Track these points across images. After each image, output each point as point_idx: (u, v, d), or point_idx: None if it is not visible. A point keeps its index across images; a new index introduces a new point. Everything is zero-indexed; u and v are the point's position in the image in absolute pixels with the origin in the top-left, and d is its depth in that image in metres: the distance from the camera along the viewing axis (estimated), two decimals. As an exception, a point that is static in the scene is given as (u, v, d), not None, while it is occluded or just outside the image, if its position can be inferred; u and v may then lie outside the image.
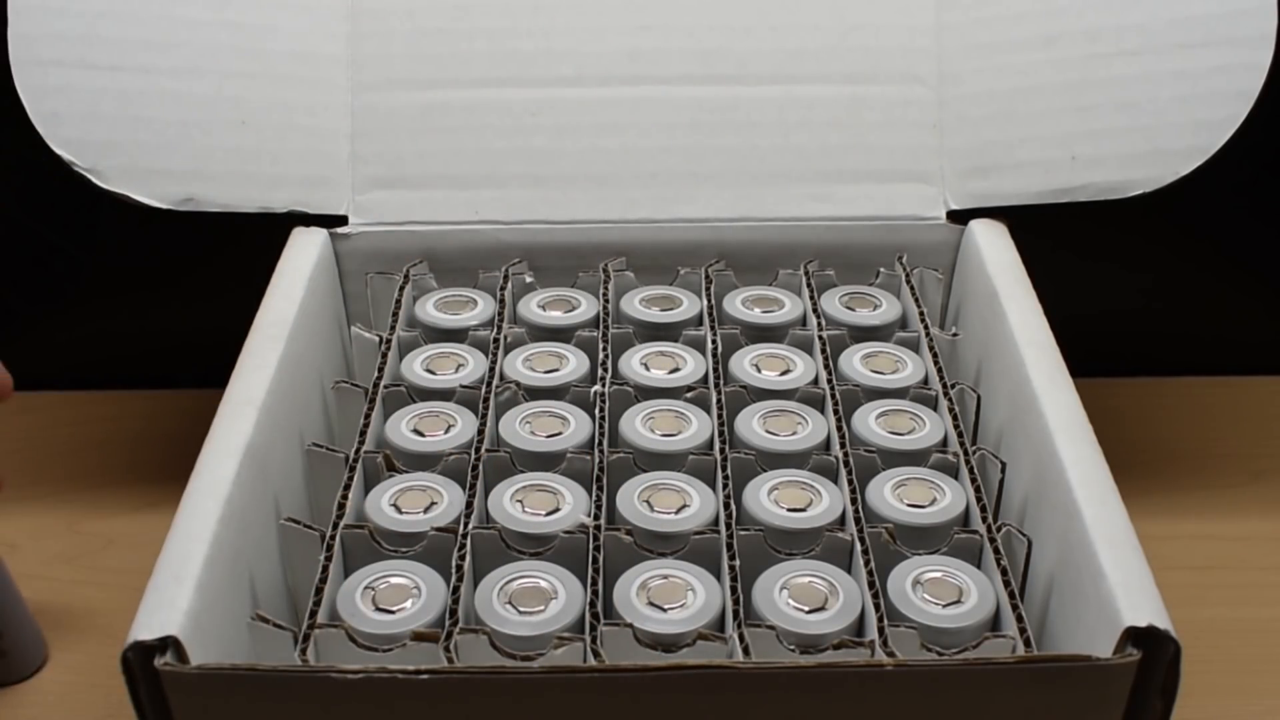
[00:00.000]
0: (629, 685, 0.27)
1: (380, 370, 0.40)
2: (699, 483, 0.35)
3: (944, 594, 0.32)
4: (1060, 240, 0.47)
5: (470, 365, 0.40)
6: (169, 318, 0.55)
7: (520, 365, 0.40)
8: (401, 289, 0.44)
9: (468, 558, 0.32)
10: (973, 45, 0.45)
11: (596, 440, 0.37)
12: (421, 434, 0.37)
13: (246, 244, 0.42)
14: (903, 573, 0.33)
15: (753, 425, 0.37)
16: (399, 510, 0.34)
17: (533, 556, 0.33)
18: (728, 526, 0.34)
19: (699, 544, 0.33)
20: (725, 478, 0.35)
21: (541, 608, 0.31)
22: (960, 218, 0.45)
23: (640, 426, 0.37)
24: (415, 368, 0.40)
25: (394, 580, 0.32)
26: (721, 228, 0.45)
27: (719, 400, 0.38)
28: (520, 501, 0.35)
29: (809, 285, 0.44)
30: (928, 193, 0.45)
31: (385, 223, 0.44)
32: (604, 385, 0.38)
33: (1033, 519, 0.35)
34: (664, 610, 0.31)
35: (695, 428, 0.37)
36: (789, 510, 0.34)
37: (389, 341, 0.41)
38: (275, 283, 0.41)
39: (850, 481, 0.35)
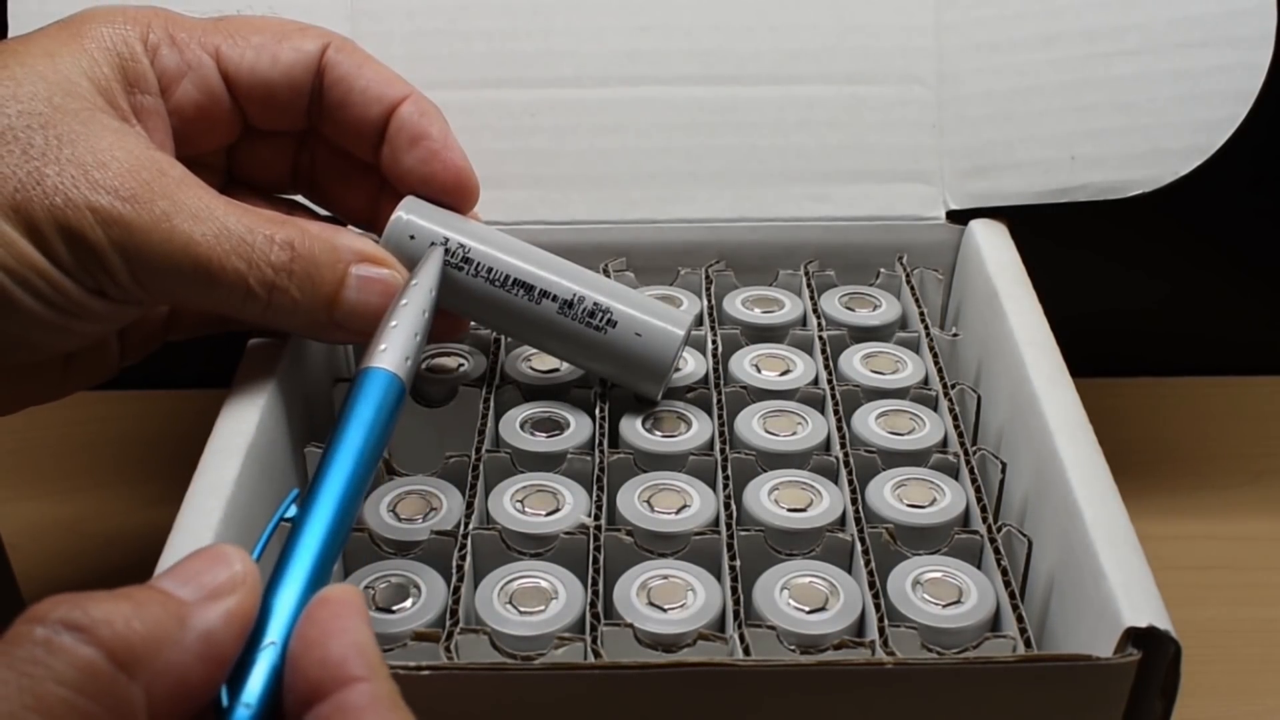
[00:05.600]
0: (630, 683, 0.27)
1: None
2: (699, 483, 0.36)
3: (944, 594, 0.32)
4: (1060, 240, 0.47)
5: (470, 365, 0.40)
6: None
7: (521, 365, 0.40)
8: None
9: (468, 558, 0.32)
10: (972, 45, 0.45)
11: (597, 441, 0.37)
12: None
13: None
14: (903, 573, 0.33)
15: (753, 425, 0.37)
16: (397, 517, 0.34)
17: (533, 557, 0.33)
18: (728, 527, 0.34)
19: (699, 544, 0.33)
20: (726, 478, 0.35)
21: (542, 608, 0.31)
22: (960, 218, 0.45)
23: (641, 427, 0.37)
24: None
25: (394, 580, 0.32)
26: (721, 228, 0.45)
27: (719, 400, 0.38)
28: (521, 502, 0.35)
29: (809, 285, 0.44)
30: (927, 193, 0.45)
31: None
32: (604, 386, 0.38)
33: (1033, 519, 0.35)
34: (664, 610, 0.31)
35: (695, 428, 0.37)
36: (789, 510, 0.34)
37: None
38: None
39: (850, 482, 0.35)
